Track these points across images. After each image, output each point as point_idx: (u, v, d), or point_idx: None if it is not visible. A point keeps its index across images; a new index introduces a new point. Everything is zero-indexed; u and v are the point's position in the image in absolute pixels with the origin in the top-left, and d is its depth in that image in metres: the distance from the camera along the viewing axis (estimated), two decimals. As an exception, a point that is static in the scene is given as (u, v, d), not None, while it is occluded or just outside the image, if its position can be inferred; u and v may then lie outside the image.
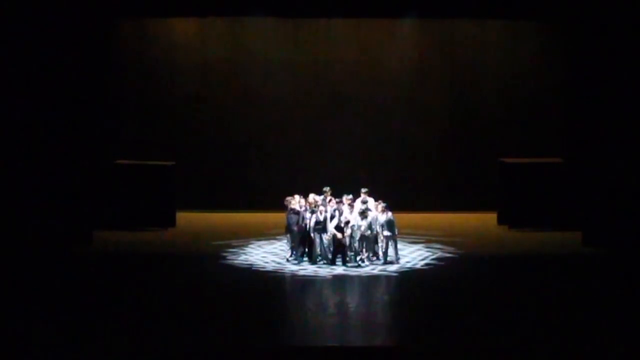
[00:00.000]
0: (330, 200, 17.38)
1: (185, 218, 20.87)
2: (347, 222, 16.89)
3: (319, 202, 17.21)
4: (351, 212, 17.07)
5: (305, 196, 17.43)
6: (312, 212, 17.04)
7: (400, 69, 22.62)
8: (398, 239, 17.40)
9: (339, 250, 16.98)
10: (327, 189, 17.67)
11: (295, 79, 22.64)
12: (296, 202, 17.31)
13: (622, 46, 18.27)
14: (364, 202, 17.28)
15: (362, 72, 22.64)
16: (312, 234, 17.00)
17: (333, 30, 22.50)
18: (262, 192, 22.37)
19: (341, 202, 17.17)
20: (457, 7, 20.27)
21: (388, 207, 17.22)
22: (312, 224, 16.95)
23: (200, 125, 22.58)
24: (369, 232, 16.97)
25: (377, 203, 17.33)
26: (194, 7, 20.56)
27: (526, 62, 22.43)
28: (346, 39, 22.57)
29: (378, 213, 17.12)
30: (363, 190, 17.57)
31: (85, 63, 18.73)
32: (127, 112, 22.22)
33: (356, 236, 16.92)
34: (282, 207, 17.50)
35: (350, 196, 17.42)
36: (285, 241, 17.59)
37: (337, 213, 16.97)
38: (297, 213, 17.11)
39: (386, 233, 17.04)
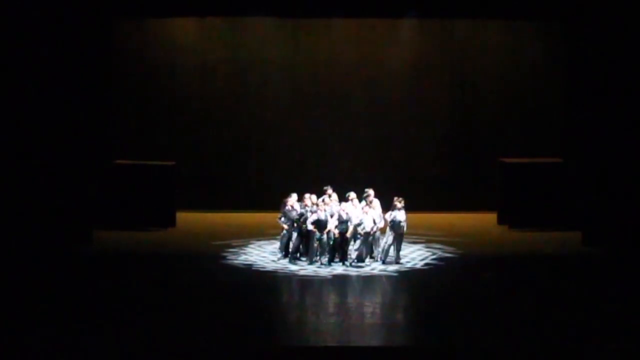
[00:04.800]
0: (330, 198, 17.36)
1: (185, 218, 20.87)
2: (347, 221, 16.91)
3: (318, 202, 17.20)
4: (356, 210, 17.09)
5: (301, 196, 17.41)
6: (312, 212, 17.02)
7: (400, 69, 22.63)
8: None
9: (338, 249, 16.98)
10: (328, 188, 17.68)
11: (295, 79, 22.65)
12: (294, 200, 17.31)
13: (623, 46, 18.28)
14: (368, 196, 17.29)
15: (362, 72, 22.64)
16: (310, 233, 16.98)
17: (333, 30, 22.50)
18: (262, 192, 22.38)
19: (343, 201, 17.18)
20: (457, 7, 20.31)
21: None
22: (311, 222, 16.91)
23: (200, 125, 22.59)
24: (374, 228, 16.95)
25: (397, 200, 17.26)
26: (194, 7, 20.59)
27: (526, 62, 22.44)
28: (346, 39, 22.58)
29: (397, 211, 17.11)
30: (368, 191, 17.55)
31: (86, 63, 18.74)
32: (127, 112, 22.21)
33: (358, 236, 16.93)
34: (282, 208, 17.52)
35: (353, 194, 17.44)
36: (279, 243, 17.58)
37: (337, 213, 16.96)
38: (299, 214, 17.08)
39: (398, 231, 17.03)
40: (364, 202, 17.22)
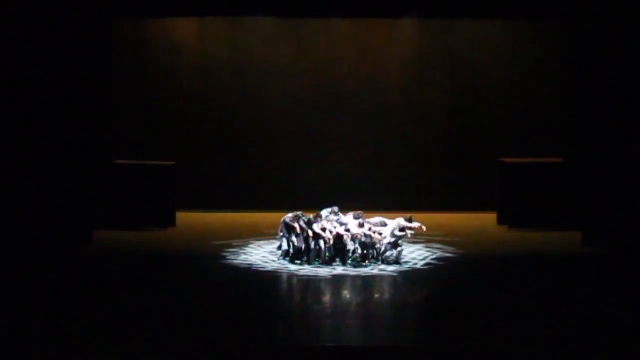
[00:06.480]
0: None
1: (185, 218, 20.87)
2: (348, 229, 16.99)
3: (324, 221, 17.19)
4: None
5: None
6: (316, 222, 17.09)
7: (400, 69, 22.63)
8: (402, 241, 17.37)
9: (338, 250, 16.98)
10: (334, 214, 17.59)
11: (295, 78, 22.65)
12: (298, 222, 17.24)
13: (623, 46, 18.27)
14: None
15: (362, 72, 22.64)
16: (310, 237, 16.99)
17: (333, 30, 22.50)
18: (262, 192, 22.40)
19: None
20: (457, 7, 20.31)
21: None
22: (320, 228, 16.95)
23: (200, 125, 22.59)
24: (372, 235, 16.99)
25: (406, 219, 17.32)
26: (194, 7, 20.60)
27: (526, 62, 22.44)
28: (346, 39, 22.58)
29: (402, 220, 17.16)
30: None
31: (85, 63, 18.73)
32: (127, 112, 22.22)
33: (356, 241, 16.95)
34: (282, 208, 17.50)
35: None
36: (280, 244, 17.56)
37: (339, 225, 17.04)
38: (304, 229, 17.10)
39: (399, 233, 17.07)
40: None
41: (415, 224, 17.20)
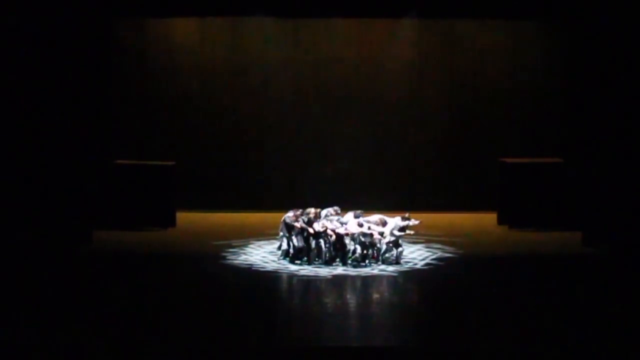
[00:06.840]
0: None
1: (185, 218, 20.87)
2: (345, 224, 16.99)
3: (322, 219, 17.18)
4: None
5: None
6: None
7: (400, 69, 22.62)
8: (402, 240, 17.37)
9: (338, 250, 16.98)
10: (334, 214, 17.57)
11: (295, 79, 22.64)
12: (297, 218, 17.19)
13: (623, 46, 18.27)
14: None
15: (362, 72, 22.63)
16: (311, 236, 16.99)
17: (333, 30, 22.50)
18: (262, 192, 22.39)
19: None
20: (457, 7, 20.32)
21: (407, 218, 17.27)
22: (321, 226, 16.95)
23: (200, 125, 22.59)
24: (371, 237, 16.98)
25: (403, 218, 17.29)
26: (194, 7, 20.61)
27: (526, 62, 22.42)
28: (346, 39, 22.57)
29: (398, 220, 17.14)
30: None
31: (85, 63, 18.73)
32: (127, 112, 22.21)
33: (356, 240, 16.94)
34: (282, 208, 17.48)
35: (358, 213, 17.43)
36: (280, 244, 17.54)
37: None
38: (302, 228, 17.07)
39: (397, 233, 17.04)
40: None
41: (413, 221, 17.21)
